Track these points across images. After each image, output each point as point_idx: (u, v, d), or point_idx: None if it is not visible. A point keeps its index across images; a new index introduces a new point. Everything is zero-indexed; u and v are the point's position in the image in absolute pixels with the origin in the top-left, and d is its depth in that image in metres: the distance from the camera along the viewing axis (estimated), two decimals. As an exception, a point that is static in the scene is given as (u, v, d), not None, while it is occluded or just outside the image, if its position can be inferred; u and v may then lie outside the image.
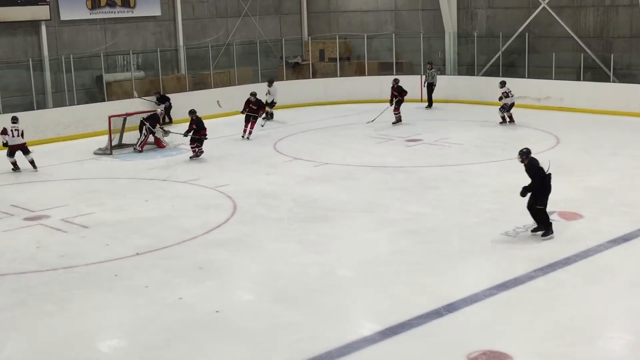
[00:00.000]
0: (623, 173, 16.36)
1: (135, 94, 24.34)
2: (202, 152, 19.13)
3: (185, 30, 27.34)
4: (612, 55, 24.38)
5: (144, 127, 20.43)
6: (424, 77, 26.61)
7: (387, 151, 19.48)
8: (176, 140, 20.62)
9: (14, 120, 18.76)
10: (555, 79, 25.20)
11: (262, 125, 23.22)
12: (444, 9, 28.00)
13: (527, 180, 12.09)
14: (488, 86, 26.47)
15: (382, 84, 26.69)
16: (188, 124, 19.39)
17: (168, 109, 24.00)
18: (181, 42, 27.13)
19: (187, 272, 11.16)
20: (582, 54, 25.02)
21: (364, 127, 22.62)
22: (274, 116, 24.82)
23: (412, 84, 25.68)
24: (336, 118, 24.04)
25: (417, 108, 25.94)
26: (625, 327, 9.12)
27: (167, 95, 24.50)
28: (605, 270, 10.94)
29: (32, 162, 18.42)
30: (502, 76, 26.46)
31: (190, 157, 19.06)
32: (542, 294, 10.07)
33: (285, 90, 26.76)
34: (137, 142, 20.37)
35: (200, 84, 26.80)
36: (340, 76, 28.77)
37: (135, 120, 21.12)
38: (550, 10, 26.09)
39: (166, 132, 20.83)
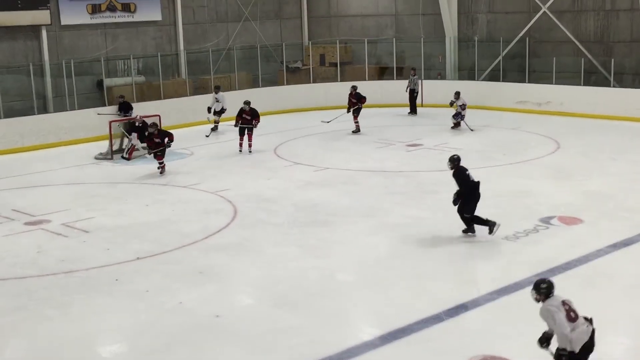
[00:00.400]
0: (623, 178, 16.37)
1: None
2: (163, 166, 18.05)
3: (185, 35, 27.39)
4: (613, 59, 24.40)
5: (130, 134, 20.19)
6: (407, 82, 26.40)
7: (387, 156, 19.50)
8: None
9: None
10: (555, 84, 25.20)
11: (207, 136, 22.33)
12: (445, 13, 28.03)
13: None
14: (488, 91, 26.54)
15: (383, 89, 26.74)
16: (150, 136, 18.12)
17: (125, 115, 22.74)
18: (182, 47, 27.17)
19: (187, 276, 11.17)
20: (583, 59, 25.02)
21: (365, 133, 22.61)
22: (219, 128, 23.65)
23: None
24: (337, 123, 24.02)
25: (418, 113, 25.95)
26: (625, 332, 9.13)
27: (132, 104, 23.30)
28: (605, 275, 10.94)
29: None
30: (503, 81, 26.54)
31: (162, 172, 17.94)
32: (542, 299, 10.06)
33: (285, 94, 26.81)
34: (125, 150, 20.17)
35: (200, 89, 26.82)
36: (341, 81, 28.80)
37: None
38: (550, 15, 26.12)
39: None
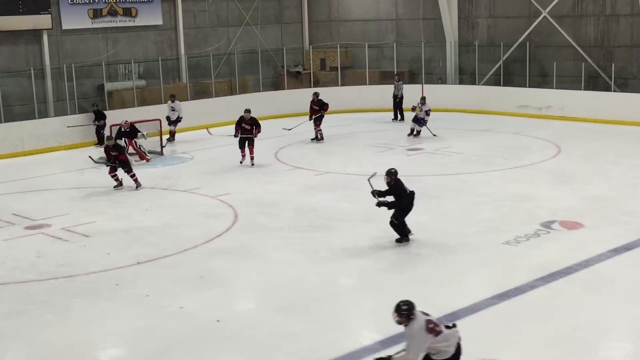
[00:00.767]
0: (624, 182, 16.36)
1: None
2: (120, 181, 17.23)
3: (186, 39, 27.40)
4: (613, 64, 24.41)
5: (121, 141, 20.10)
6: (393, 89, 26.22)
7: (388, 160, 19.43)
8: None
9: None
10: (556, 88, 25.21)
11: (163, 146, 21.45)
12: (445, 18, 28.05)
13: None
14: (489, 95, 26.55)
15: (383, 93, 26.71)
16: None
17: (101, 127, 22.59)
18: (182, 51, 27.17)
19: (188, 281, 11.16)
20: (583, 63, 25.04)
21: (365, 137, 22.62)
22: (175, 137, 22.93)
23: (413, 93, 25.64)
24: (337, 127, 24.03)
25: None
26: (626, 337, 9.11)
27: (104, 112, 22.99)
28: (606, 279, 10.92)
29: None
30: (503, 85, 26.54)
31: (116, 187, 17.13)
32: (543, 304, 10.06)
33: (286, 99, 26.82)
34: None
35: (201, 93, 26.84)
36: (342, 85, 28.80)
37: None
38: (551, 20, 26.13)
39: (144, 136, 20.55)
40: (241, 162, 18.87)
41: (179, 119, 23.17)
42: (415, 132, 22.23)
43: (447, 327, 7.23)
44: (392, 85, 26.18)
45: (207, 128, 20.20)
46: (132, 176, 17.00)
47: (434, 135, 21.99)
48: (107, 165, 17.09)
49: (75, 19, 24.61)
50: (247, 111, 19.12)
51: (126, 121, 20.28)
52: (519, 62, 26.81)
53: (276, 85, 28.79)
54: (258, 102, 23.90)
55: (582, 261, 11.45)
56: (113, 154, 16.97)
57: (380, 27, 30.07)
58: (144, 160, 19.96)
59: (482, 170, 17.85)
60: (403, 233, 12.53)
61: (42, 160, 20.98)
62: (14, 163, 20.57)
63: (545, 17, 26.27)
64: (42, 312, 10.22)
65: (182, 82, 26.81)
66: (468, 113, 26.45)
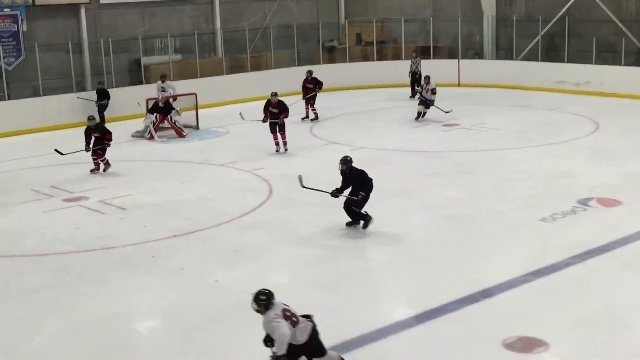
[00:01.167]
0: (663, 159, 16.12)
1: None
2: (107, 163, 16.58)
3: (222, 14, 27.38)
4: (654, 39, 24.00)
5: (154, 116, 20.22)
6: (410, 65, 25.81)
7: (423, 136, 19.39)
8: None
9: None
10: (595, 64, 24.82)
11: (198, 124, 21.19)
12: (483, -8, 27.71)
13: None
14: (526, 70, 26.21)
15: (419, 68, 26.49)
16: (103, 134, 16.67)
17: (104, 106, 22.19)
18: (218, 26, 27.17)
19: (223, 254, 11.24)
20: (624, 38, 24.60)
21: (401, 112, 22.50)
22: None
23: (448, 68, 25.47)
24: (373, 102, 23.94)
25: (455, 93, 25.72)
26: (664, 316, 9.02)
27: (108, 90, 22.49)
28: (644, 257, 10.81)
29: None
30: (541, 60, 26.17)
31: (105, 169, 16.59)
32: (578, 281, 9.99)
33: (321, 74, 26.71)
34: (147, 131, 20.23)
35: (237, 68, 26.85)
36: (377, 60, 28.63)
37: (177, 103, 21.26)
38: (591, -6, 25.71)
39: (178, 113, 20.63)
40: (277, 151, 17.82)
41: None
42: (422, 115, 21.23)
43: (304, 316, 7.30)
44: (410, 62, 25.87)
45: (240, 112, 19.43)
46: (103, 160, 16.45)
47: (447, 112, 21.26)
48: (87, 151, 16.43)
49: (112, -7, 24.77)
50: (274, 94, 18.15)
51: (163, 96, 20.35)
52: (557, 37, 26.41)
53: (312, 60, 28.68)
54: (294, 77, 23.79)
55: (619, 239, 11.33)
56: (95, 135, 16.33)
57: (417, 1, 29.77)
58: (180, 136, 20.06)
59: (519, 147, 17.68)
60: (361, 215, 12.07)
61: (80, 133, 21.13)
62: (53, 136, 20.77)
63: (585, -9, 25.83)
64: (79, 284, 10.37)
65: (218, 56, 26.83)
66: (505, 89, 26.16)
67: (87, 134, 16.44)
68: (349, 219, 12.18)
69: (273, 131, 17.82)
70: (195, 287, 10.11)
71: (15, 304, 9.74)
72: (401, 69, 26.95)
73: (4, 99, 22.07)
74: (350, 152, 17.49)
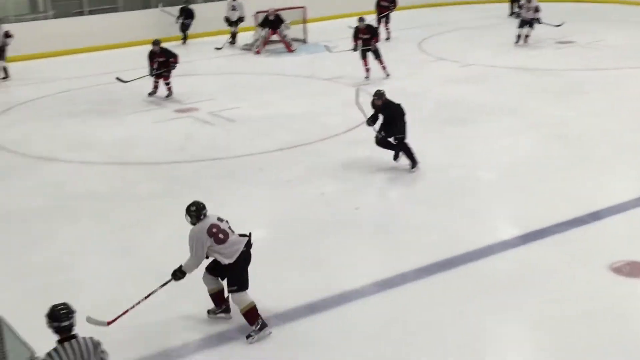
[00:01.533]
0: None
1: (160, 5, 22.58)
2: (170, 90, 15.79)
3: None
4: None
5: (262, 30, 20.19)
6: None
7: (535, 53, 18.80)
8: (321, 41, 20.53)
9: None
10: None
11: (219, 48, 20.58)
12: None
13: None
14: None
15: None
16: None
17: (187, 26, 21.85)
18: None
19: (329, 169, 11.31)
20: None
21: (512, 27, 21.82)
22: (236, 38, 21.40)
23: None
24: (482, 19, 23.28)
25: (569, 8, 24.70)
26: None
27: (191, 8, 21.92)
28: None
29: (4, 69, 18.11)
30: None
31: (168, 95, 15.80)
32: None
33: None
34: (254, 45, 20.23)
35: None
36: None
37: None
38: None
39: (288, 27, 20.52)
40: (366, 77, 16.58)
41: (240, 19, 21.50)
42: (524, 38, 19.59)
43: (242, 235, 7.13)
44: None
45: (325, 45, 18.41)
46: (168, 83, 15.70)
47: (558, 25, 19.70)
48: (151, 75, 15.63)
49: None
50: (361, 20, 16.81)
51: (273, 9, 20.32)
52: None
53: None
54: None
55: None
56: (160, 59, 15.48)
57: None
58: (289, 51, 20.09)
59: (637, 66, 16.93)
60: (409, 152, 11.09)
61: (190, 45, 21.45)
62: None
63: None
64: (188, 192, 10.62)
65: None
66: (626, 5, 24.94)
67: (151, 59, 15.56)
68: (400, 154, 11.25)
69: (364, 57, 16.61)
70: (301, 199, 10.25)
71: (129, 210, 10.11)
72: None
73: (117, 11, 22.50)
74: (459, 68, 17.23)
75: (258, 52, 20.05)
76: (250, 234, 7.17)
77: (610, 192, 10.03)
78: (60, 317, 5.11)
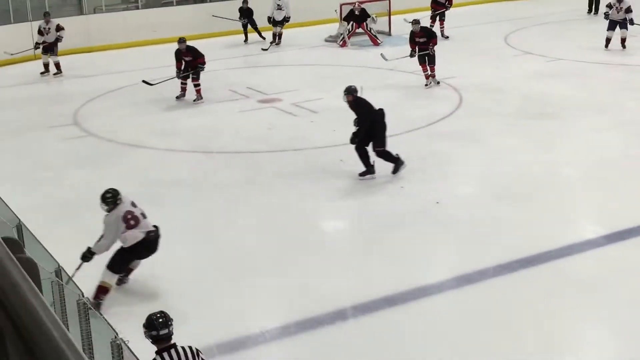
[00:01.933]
0: None
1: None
2: (199, 94, 14.88)
3: None
4: None
5: (348, 24, 20.10)
6: None
7: (628, 48, 18.24)
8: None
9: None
10: None
11: (265, 49, 19.38)
12: None
13: None
14: None
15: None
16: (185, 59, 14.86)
17: (245, 25, 20.40)
18: None
19: (410, 161, 11.23)
20: None
21: (603, 21, 21.28)
22: (282, 37, 20.07)
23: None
24: (572, 12, 22.74)
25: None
26: None
27: (252, 9, 20.27)
28: None
29: (56, 65, 17.47)
30: None
31: (197, 99, 14.92)
32: None
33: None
34: (340, 37, 20.20)
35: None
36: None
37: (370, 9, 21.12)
38: None
39: (374, 20, 20.38)
40: (426, 85, 15.41)
41: (285, 19, 20.08)
42: (621, 43, 17.57)
43: (154, 226, 7.47)
44: None
45: (381, 53, 16.91)
46: (197, 86, 14.82)
47: None
48: (179, 77, 14.92)
49: None
50: (416, 23, 15.65)
51: (358, 3, 20.27)
52: None
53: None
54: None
55: None
56: (187, 59, 14.72)
57: None
58: (375, 44, 20.00)
59: None
60: (391, 158, 10.52)
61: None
62: (250, 39, 21.37)
63: None
64: (269, 182, 10.75)
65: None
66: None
67: (178, 58, 14.80)
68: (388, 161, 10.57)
69: (422, 62, 15.37)
70: (381, 192, 10.24)
71: (211, 197, 10.29)
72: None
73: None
74: (546, 63, 16.89)
75: (343, 45, 20.04)
76: (157, 227, 7.56)
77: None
78: (158, 326, 5.01)
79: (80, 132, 13.30)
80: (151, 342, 5.08)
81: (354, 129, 10.54)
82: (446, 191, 10.22)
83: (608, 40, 17.73)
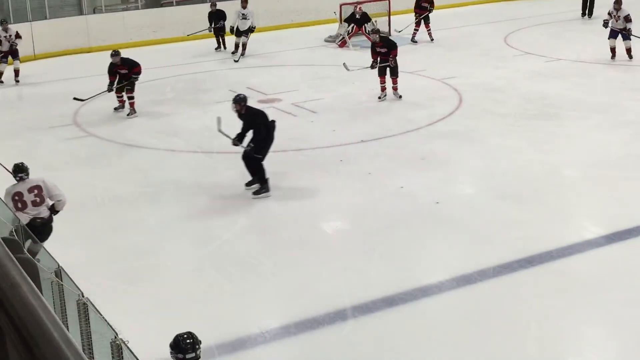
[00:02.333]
0: None
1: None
2: (133, 107, 14.16)
3: None
4: None
5: (348, 26, 20.10)
6: None
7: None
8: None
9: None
10: None
11: (236, 61, 18.45)
12: None
13: None
14: None
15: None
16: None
17: (221, 28, 19.66)
18: None
19: (410, 161, 11.28)
20: None
21: (599, 23, 21.26)
22: (246, 47, 18.87)
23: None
24: (570, 12, 22.74)
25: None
26: None
27: (222, 10, 19.63)
28: None
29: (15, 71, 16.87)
30: None
31: (130, 114, 14.17)
32: None
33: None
34: (339, 38, 20.18)
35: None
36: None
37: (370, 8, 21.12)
38: None
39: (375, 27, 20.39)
40: (379, 98, 14.60)
41: (250, 29, 18.90)
42: (627, 54, 16.74)
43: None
44: None
45: (344, 63, 15.85)
46: (131, 99, 14.09)
47: None
48: (110, 91, 14.09)
49: None
50: (375, 32, 15.45)
51: (359, 7, 20.27)
52: None
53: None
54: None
55: None
56: (122, 72, 13.93)
57: None
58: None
59: None
60: (262, 175, 10.23)
61: (274, 37, 21.61)
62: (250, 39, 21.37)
63: None
64: (276, 182, 10.71)
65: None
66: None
67: (112, 72, 13.98)
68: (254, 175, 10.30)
69: (382, 74, 14.58)
70: (380, 191, 10.24)
71: (211, 197, 10.28)
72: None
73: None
74: (546, 63, 16.89)
75: (342, 45, 20.04)
76: (51, 216, 7.76)
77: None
78: (185, 349, 4.73)
79: (80, 132, 13.31)
80: None
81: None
82: (446, 191, 10.22)
83: (613, 50, 16.91)
